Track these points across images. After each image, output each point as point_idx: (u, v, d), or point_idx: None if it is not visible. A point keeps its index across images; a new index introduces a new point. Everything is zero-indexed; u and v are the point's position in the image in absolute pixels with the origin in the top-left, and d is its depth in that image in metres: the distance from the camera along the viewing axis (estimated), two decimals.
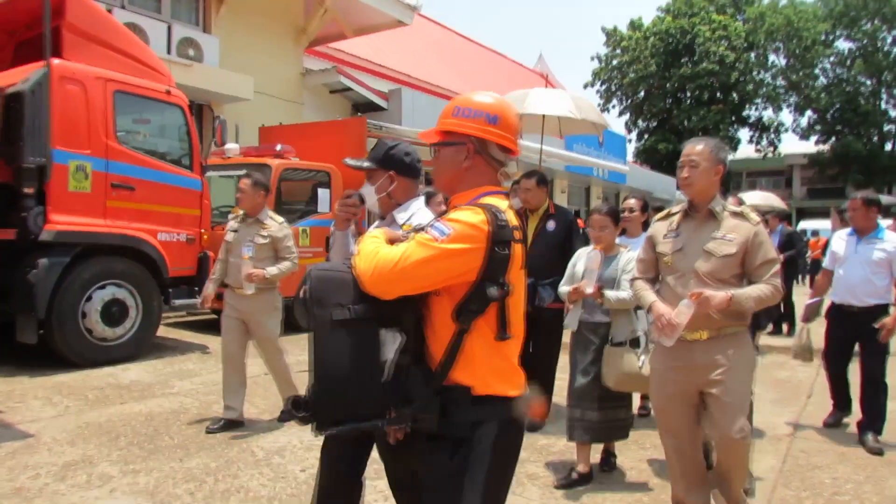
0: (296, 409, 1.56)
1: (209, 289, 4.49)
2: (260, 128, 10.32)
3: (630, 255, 3.59)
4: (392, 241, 1.65)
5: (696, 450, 2.85)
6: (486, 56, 25.97)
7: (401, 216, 2.29)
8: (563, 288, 3.78)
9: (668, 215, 2.93)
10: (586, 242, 4.22)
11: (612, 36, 35.09)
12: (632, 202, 4.43)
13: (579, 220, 6.15)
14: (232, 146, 8.35)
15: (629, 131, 35.95)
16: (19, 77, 5.61)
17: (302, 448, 3.91)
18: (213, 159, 7.75)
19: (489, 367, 1.61)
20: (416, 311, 1.63)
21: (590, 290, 3.44)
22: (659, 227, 2.92)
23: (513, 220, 1.63)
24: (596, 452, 3.77)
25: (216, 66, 11.11)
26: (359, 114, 14.49)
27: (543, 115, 6.33)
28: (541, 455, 4.00)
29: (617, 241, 3.76)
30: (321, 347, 1.53)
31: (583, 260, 3.69)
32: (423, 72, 18.05)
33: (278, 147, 8.30)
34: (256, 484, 3.36)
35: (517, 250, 1.62)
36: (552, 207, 4.62)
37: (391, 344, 1.56)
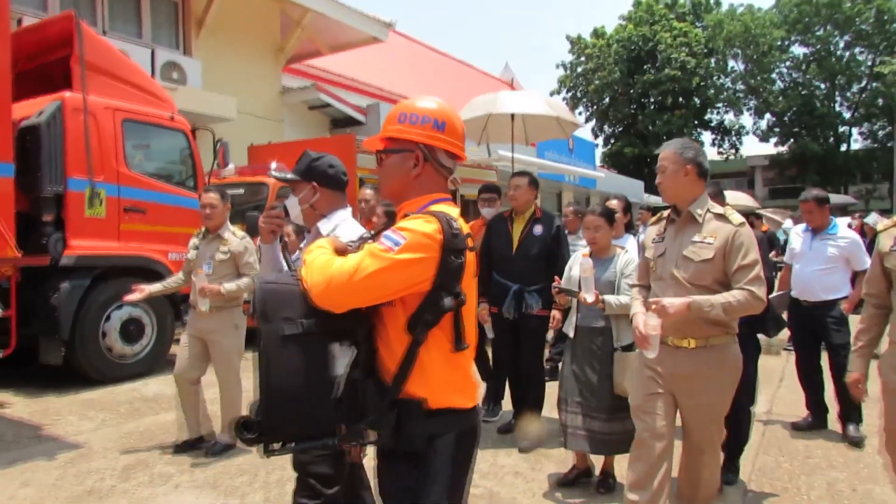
0: (246, 431, 1.50)
1: (151, 287, 4.20)
2: (249, 147, 10.61)
3: (628, 256, 3.57)
4: (340, 252, 1.61)
5: (667, 452, 2.71)
6: (455, 67, 26.51)
7: (325, 227, 2.28)
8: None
9: (660, 219, 2.86)
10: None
11: (576, 44, 35.97)
12: (613, 203, 4.44)
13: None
14: (229, 167, 8.66)
15: (596, 137, 36.83)
16: (31, 110, 5.88)
17: None
18: (211, 180, 8.04)
19: (444, 378, 1.58)
20: (367, 324, 1.59)
21: (590, 299, 3.35)
22: (650, 232, 2.87)
23: (465, 227, 1.60)
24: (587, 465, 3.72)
25: (199, 88, 11.37)
26: (337, 129, 14.87)
27: (512, 116, 6.32)
28: (533, 461, 4.03)
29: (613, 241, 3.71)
30: (270, 364, 1.48)
31: (577, 265, 3.64)
32: (399, 86, 18.47)
33: (273, 165, 8.62)
34: None
35: (470, 258, 1.59)
36: (538, 211, 4.52)
37: (342, 358, 1.51)
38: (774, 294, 4.63)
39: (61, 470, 3.85)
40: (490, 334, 4.60)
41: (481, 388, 1.58)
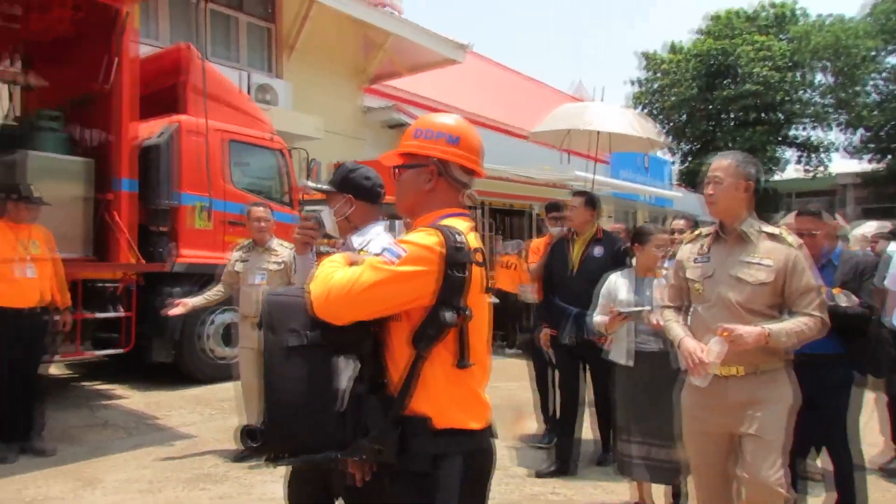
0: (250, 439, 1.52)
1: (194, 301, 4.38)
2: (334, 164, 11.16)
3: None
4: (353, 265, 1.58)
5: (728, 496, 2.59)
6: (528, 86, 26.75)
7: (357, 240, 2.25)
8: (599, 318, 3.64)
9: (698, 237, 2.69)
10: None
11: (650, 60, 35.54)
12: (680, 223, 4.30)
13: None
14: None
15: (671, 154, 36.14)
16: (150, 131, 6.51)
17: None
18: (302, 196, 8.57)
19: (449, 396, 1.54)
20: (373, 337, 1.57)
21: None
22: (687, 251, 2.69)
23: (473, 242, 1.57)
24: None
25: (289, 109, 12.07)
26: None
27: (598, 133, 6.05)
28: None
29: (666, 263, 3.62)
30: (273, 375, 1.50)
31: (624, 288, 3.56)
32: (473, 105, 18.86)
33: None
34: None
35: (477, 273, 1.56)
36: (600, 232, 4.36)
37: (346, 371, 1.52)
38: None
39: (178, 456, 4.28)
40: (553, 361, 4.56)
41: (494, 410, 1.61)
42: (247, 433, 1.53)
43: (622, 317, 3.45)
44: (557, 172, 11.46)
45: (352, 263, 1.59)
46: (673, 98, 33.92)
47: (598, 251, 4.24)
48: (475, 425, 1.58)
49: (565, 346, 4.21)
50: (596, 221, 4.40)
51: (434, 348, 1.51)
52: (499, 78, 24.24)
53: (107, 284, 5.95)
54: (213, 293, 4.51)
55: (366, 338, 1.55)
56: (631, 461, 3.43)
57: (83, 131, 6.22)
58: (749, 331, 2.32)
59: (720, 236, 2.59)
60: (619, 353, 3.54)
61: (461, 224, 1.61)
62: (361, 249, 2.20)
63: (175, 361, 6.43)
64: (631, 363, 3.48)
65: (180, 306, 4.20)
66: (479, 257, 1.57)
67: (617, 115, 5.93)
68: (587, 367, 4.28)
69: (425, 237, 1.53)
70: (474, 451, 1.58)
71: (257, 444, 1.52)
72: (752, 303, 2.44)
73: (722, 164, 2.55)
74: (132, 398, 5.89)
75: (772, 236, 2.51)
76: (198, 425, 4.99)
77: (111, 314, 5.86)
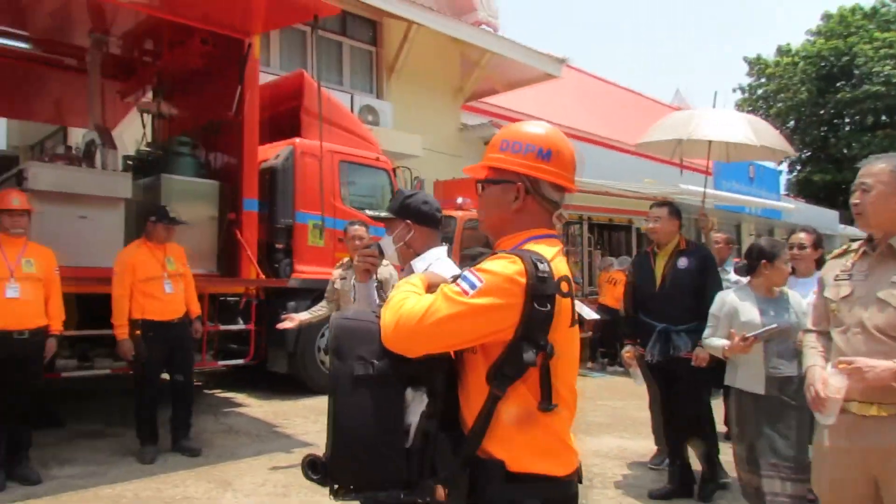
0: (312, 471, 1.44)
1: (301, 316, 4.51)
2: (435, 182, 11.39)
3: (795, 293, 3.38)
4: (432, 288, 1.48)
5: None
6: (626, 97, 26.24)
7: (418, 266, 2.21)
8: (718, 341, 3.41)
9: (846, 251, 2.40)
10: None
11: (755, 65, 33.97)
12: (801, 236, 3.91)
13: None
14: None
15: (780, 163, 34.25)
16: (269, 154, 6.91)
17: None
18: None
19: (528, 440, 1.40)
20: (446, 370, 1.46)
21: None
22: (830, 267, 2.42)
23: (561, 269, 1.43)
24: None
25: (391, 128, 12.44)
26: None
27: (710, 143, 5.60)
28: None
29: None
30: (339, 405, 1.39)
31: (748, 309, 3.35)
32: (571, 119, 18.71)
33: (459, 200, 9.24)
34: None
35: (564, 306, 1.41)
36: (683, 243, 4.18)
37: (416, 405, 1.42)
38: None
39: (300, 463, 4.47)
40: (638, 381, 4.42)
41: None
42: (309, 464, 1.44)
43: (750, 341, 3.21)
44: (661, 185, 11.16)
45: (430, 286, 1.49)
46: (781, 104, 32.24)
47: (683, 263, 4.08)
48: (558, 472, 1.43)
49: (654, 364, 4.06)
50: (679, 233, 4.23)
51: (512, 388, 1.37)
52: (596, 90, 23.94)
53: (232, 298, 6.35)
54: (318, 309, 4.71)
55: (437, 370, 1.43)
56: (761, 494, 3.21)
57: (210, 155, 6.69)
58: (874, 364, 2.03)
59: (866, 252, 2.28)
60: (749, 379, 3.30)
61: (548, 249, 1.46)
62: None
63: (292, 372, 6.74)
64: (762, 391, 3.25)
65: (289, 321, 4.40)
66: (565, 287, 1.41)
67: (731, 122, 5.51)
68: (673, 384, 4.09)
69: (506, 265, 1.37)
70: (555, 499, 1.43)
71: (319, 475, 1.43)
72: (894, 328, 2.10)
73: (872, 168, 2.22)
74: (253, 406, 6.23)
75: None
76: (314, 434, 5.21)
77: (237, 327, 6.23)
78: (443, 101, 14.37)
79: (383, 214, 2.39)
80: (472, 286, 1.36)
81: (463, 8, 13.95)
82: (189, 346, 5.05)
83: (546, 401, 1.39)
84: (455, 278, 1.43)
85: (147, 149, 7.38)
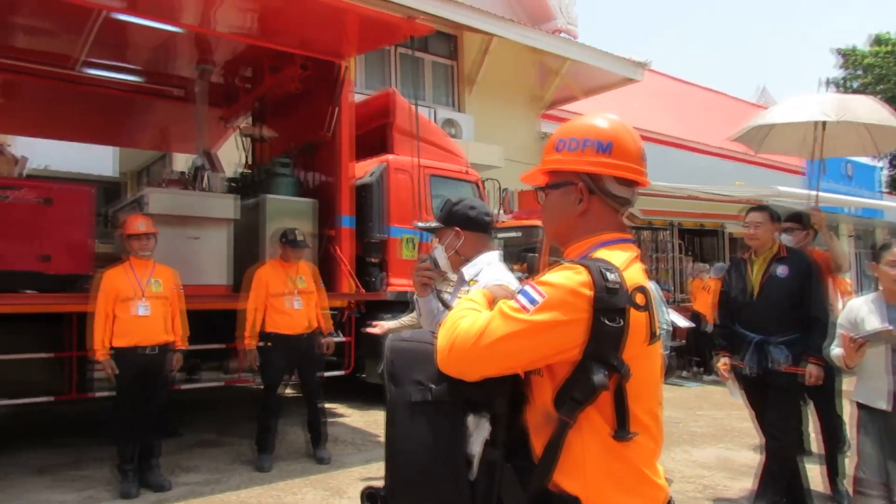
0: (370, 503, 1.36)
1: (389, 323, 4.50)
2: (518, 192, 11.41)
3: None
4: (494, 302, 1.36)
5: None
6: (708, 98, 25.42)
7: (469, 272, 2.15)
8: (836, 350, 3.22)
9: None
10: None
11: (850, 56, 32.15)
12: None
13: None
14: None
15: (878, 159, 32.22)
16: (362, 171, 7.12)
17: None
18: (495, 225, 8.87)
19: (605, 473, 1.24)
20: (509, 394, 1.31)
21: None
22: None
23: (635, 278, 1.28)
24: None
25: (472, 140, 12.56)
26: None
27: (820, 128, 4.75)
28: None
29: None
30: (397, 433, 1.30)
31: (873, 316, 3.13)
32: (652, 123, 18.31)
33: None
34: None
35: (639, 320, 1.24)
36: (783, 250, 3.94)
37: (479, 433, 1.29)
38: None
39: None
40: (734, 394, 4.21)
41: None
42: (368, 496, 1.36)
43: (859, 343, 2.98)
44: (755, 188, 10.75)
45: (493, 300, 1.37)
46: (880, 95, 30.34)
47: (781, 271, 3.82)
48: None
49: (747, 377, 3.83)
50: (777, 238, 4.01)
51: (582, 413, 1.22)
52: (677, 92, 23.31)
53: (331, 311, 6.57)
54: (406, 317, 4.79)
55: (499, 394, 1.28)
56: None
57: (307, 174, 6.97)
58: None
59: None
60: (872, 393, 3.08)
61: (619, 255, 1.32)
62: (471, 280, 2.12)
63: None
64: (886, 406, 3.02)
65: (377, 327, 4.47)
66: (640, 299, 1.25)
67: (863, 105, 4.76)
68: (766, 399, 3.83)
69: (570, 276, 1.22)
70: None
71: None
72: None
73: None
74: (352, 416, 6.41)
75: None
76: None
77: (337, 339, 6.44)
78: (522, 111, 14.38)
79: (432, 224, 2.37)
80: (532, 301, 1.22)
81: (541, 17, 13.94)
82: (314, 359, 5.27)
83: (622, 428, 1.24)
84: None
85: (246, 171, 7.78)
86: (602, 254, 1.32)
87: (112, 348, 4.35)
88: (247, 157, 8.02)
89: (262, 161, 7.64)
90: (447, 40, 13.19)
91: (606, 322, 1.20)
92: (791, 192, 8.46)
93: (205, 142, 6.94)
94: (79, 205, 5.41)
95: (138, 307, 4.38)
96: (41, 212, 5.16)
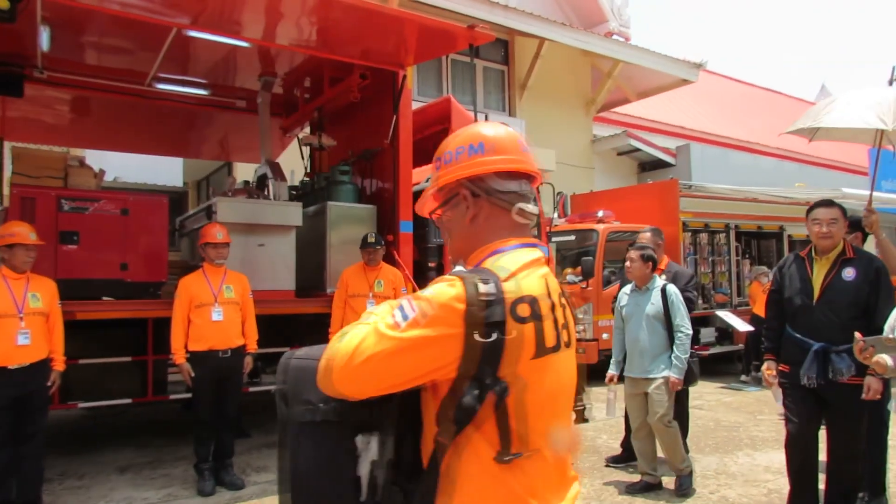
0: None
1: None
2: (571, 195, 11.35)
3: None
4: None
5: None
6: (765, 98, 24.76)
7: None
8: (885, 358, 2.89)
9: None
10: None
11: None
12: None
13: None
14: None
15: None
16: (420, 177, 7.21)
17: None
18: (550, 228, 8.84)
19: (486, 497, 1.17)
20: (402, 413, 1.24)
21: None
22: None
23: (528, 287, 1.19)
24: None
25: None
26: (644, 173, 15.01)
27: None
28: None
29: None
30: (288, 454, 1.25)
31: None
32: (708, 124, 17.95)
33: (600, 213, 9.16)
34: None
35: (524, 333, 1.16)
36: (850, 250, 3.59)
37: (367, 454, 1.23)
38: None
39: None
40: (779, 402, 4.02)
41: None
42: None
43: (860, 346, 2.76)
44: (817, 189, 10.40)
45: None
46: None
47: (848, 274, 3.50)
48: None
49: (804, 388, 3.53)
50: (845, 238, 3.66)
51: (462, 434, 1.15)
52: (733, 93, 22.81)
53: None
54: None
55: (385, 414, 1.22)
56: None
57: (364, 181, 7.10)
58: None
59: None
60: None
61: (515, 262, 1.23)
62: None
63: None
64: None
65: None
66: (522, 310, 1.16)
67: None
68: (827, 416, 3.58)
69: (442, 290, 1.16)
70: None
71: None
72: None
73: None
74: None
75: None
76: None
77: None
78: (574, 114, 14.31)
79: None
80: (405, 317, 1.14)
81: (594, 20, 13.86)
82: None
83: (505, 449, 1.16)
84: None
85: (307, 178, 7.97)
86: (491, 262, 1.25)
87: (188, 352, 4.54)
88: (307, 165, 8.22)
89: (321, 169, 7.81)
90: (499, 46, 13.24)
91: (479, 338, 1.12)
92: (856, 194, 8.16)
93: (268, 151, 7.15)
94: (154, 215, 5.65)
95: (213, 312, 4.56)
96: (119, 222, 5.42)
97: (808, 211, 3.69)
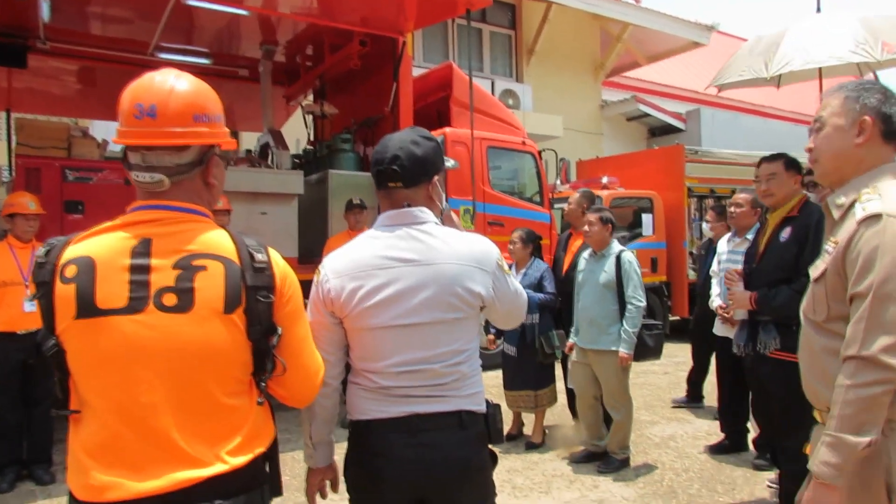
0: None
1: None
2: (577, 162, 11.30)
3: None
4: None
5: None
6: None
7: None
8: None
9: None
10: None
11: None
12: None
13: None
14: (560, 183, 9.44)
15: None
16: None
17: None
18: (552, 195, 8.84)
19: (70, 449, 1.24)
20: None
21: None
22: None
23: (85, 249, 1.23)
24: None
25: (530, 111, 12.46)
26: (654, 138, 14.86)
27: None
28: None
29: None
30: None
31: None
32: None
33: (604, 179, 9.12)
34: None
35: (64, 293, 1.20)
36: (797, 208, 3.11)
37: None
38: None
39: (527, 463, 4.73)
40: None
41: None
42: None
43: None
44: None
45: None
46: None
47: (784, 234, 3.05)
48: (80, 495, 1.19)
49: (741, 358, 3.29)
50: (799, 191, 3.19)
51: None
52: None
53: None
54: None
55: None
56: None
57: (367, 148, 7.13)
58: None
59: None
60: None
61: (92, 232, 1.28)
62: None
63: None
64: None
65: None
66: (69, 271, 1.20)
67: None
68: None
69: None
70: None
71: None
72: (809, 311, 1.69)
73: (827, 100, 1.71)
74: None
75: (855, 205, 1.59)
76: None
77: None
78: (582, 80, 14.15)
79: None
80: None
81: None
82: None
83: (61, 405, 1.24)
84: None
85: (309, 147, 8.01)
86: (97, 228, 1.29)
87: None
88: (309, 133, 8.25)
89: (324, 137, 7.84)
90: (506, 10, 13.06)
91: (37, 297, 1.23)
92: None
93: (270, 120, 7.19)
94: None
95: None
96: (124, 191, 5.50)
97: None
